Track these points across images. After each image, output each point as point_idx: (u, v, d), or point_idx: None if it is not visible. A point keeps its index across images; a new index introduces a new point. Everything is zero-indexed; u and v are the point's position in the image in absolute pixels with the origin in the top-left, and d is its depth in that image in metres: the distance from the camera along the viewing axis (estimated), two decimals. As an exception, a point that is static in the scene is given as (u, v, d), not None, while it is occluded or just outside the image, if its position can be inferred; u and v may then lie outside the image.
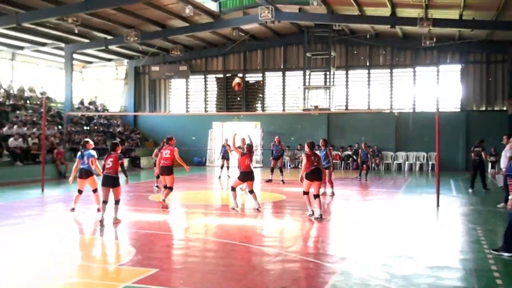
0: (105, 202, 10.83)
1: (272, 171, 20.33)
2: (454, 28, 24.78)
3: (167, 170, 13.02)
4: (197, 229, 11.01)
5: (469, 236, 10.15)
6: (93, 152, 12.18)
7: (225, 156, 21.61)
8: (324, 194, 15.97)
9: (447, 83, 28.55)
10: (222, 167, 21.74)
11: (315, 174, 11.49)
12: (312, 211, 11.67)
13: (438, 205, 13.94)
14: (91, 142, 12.68)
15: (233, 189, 13.12)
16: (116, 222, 10.86)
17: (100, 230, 10.39)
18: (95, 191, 12.41)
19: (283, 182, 19.34)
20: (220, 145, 24.80)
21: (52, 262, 7.96)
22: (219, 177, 21.61)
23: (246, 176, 12.88)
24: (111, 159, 10.79)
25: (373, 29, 27.07)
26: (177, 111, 33.17)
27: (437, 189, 14.38)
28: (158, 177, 16.70)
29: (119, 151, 11.08)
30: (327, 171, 15.54)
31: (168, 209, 12.99)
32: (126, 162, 25.85)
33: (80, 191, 12.49)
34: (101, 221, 10.67)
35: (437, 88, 27.89)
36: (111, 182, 10.77)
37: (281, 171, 20.06)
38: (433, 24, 22.55)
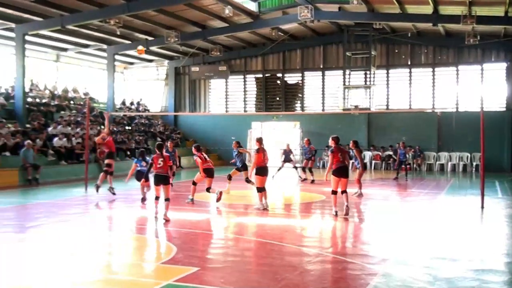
0: (157, 198, 11.59)
1: (304, 170, 20.95)
2: (499, 26, 24.16)
3: (213, 172, 14.10)
4: (237, 229, 11.06)
5: (515, 238, 9.89)
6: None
7: (287, 159, 21.47)
8: (361, 195, 16.03)
9: (492, 82, 27.85)
10: (280, 168, 21.59)
11: (342, 171, 11.87)
12: (336, 212, 12.04)
13: (482, 207, 13.62)
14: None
15: (261, 189, 13.05)
16: (166, 219, 11.26)
17: (151, 226, 10.52)
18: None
19: (313, 182, 19.48)
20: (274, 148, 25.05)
21: (95, 259, 8.11)
22: (272, 176, 21.46)
23: (264, 170, 12.96)
24: (162, 159, 11.43)
25: (414, 27, 26.64)
26: (216, 111, 33.41)
27: (481, 190, 14.04)
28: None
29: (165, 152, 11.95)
30: (358, 171, 16.20)
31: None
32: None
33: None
34: (156, 216, 11.45)
35: (481, 87, 27.24)
36: (162, 180, 11.46)
37: (311, 171, 20.40)
38: (477, 21, 21.98)
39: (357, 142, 16.59)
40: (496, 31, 25.56)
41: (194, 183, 14.21)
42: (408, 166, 23.89)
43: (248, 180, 15.58)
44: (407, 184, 20.52)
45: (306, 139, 21.51)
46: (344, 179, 11.97)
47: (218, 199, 13.68)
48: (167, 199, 11.45)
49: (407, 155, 22.42)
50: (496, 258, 8.30)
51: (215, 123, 31.78)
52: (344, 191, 12.05)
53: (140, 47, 18.80)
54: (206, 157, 14.12)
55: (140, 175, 14.10)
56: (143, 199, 13.03)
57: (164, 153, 11.68)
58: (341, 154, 11.91)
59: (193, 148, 14.28)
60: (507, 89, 27.44)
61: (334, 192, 12.06)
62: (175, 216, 11.95)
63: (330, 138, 12.40)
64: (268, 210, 12.86)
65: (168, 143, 18.96)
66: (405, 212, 13.52)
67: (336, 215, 11.99)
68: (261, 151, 12.91)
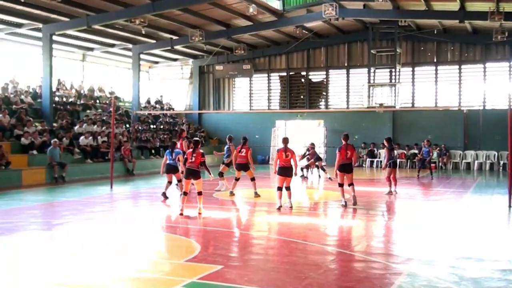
0: (185, 193, 12.06)
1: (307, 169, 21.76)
2: (527, 22, 23.72)
3: (244, 166, 15.01)
4: (260, 227, 11.07)
5: (544, 238, 9.71)
6: (180, 151, 14.26)
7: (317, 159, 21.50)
8: (391, 193, 15.97)
9: (520, 79, 27.36)
10: (318, 169, 21.61)
11: (346, 167, 13.30)
12: (345, 202, 13.32)
13: (510, 206, 13.41)
14: (178, 144, 15.37)
15: (278, 189, 12.91)
16: (200, 212, 11.88)
17: (175, 224, 10.59)
18: (179, 181, 14.37)
19: (331, 179, 19.43)
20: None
21: (119, 256, 8.20)
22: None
23: (282, 170, 12.75)
24: (195, 155, 11.89)
25: (440, 24, 26.32)
26: (240, 109, 33.45)
27: (509, 189, 13.80)
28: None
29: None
30: (388, 169, 16.25)
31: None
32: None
33: (169, 182, 14.58)
34: (181, 213, 11.78)
35: (509, 85, 26.75)
36: (193, 174, 11.94)
37: (323, 169, 20.79)
38: (505, 18, 21.59)
39: (389, 140, 16.56)
40: (525, 28, 25.11)
41: (253, 179, 15.10)
42: (433, 164, 23.64)
43: (220, 174, 16.30)
44: (432, 182, 20.30)
45: (310, 143, 21.64)
46: (349, 174, 13.37)
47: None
48: (199, 193, 12.06)
49: (432, 153, 22.20)
50: (524, 258, 8.17)
51: (239, 122, 31.83)
52: (350, 184, 13.46)
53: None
54: (243, 152, 14.94)
55: (170, 169, 14.22)
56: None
57: (198, 150, 12.02)
58: (346, 152, 13.23)
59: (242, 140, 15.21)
60: (535, 86, 26.94)
61: (341, 185, 13.48)
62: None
63: (342, 137, 13.68)
64: (291, 208, 12.74)
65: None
66: (430, 211, 13.37)
67: (345, 205, 13.20)
68: (281, 150, 12.76)
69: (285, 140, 12.95)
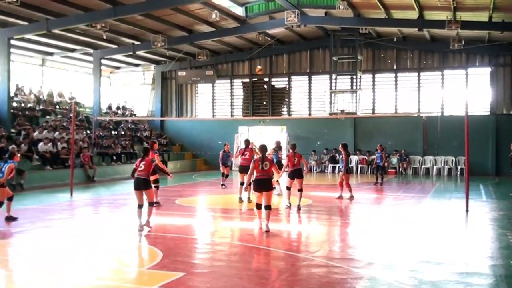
0: (140, 206, 10.71)
1: None
2: (483, 31, 24.41)
3: (247, 169, 13.21)
4: (223, 233, 11.04)
5: (499, 241, 9.96)
6: (15, 162, 12.19)
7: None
8: (341, 197, 16.40)
9: (476, 86, 28.07)
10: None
11: (295, 173, 13.93)
12: (289, 203, 14.22)
13: (467, 210, 13.73)
14: (18, 155, 13.16)
15: (257, 206, 11.09)
16: (147, 225, 10.74)
17: (138, 233, 10.47)
18: (10, 199, 11.92)
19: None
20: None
21: (80, 264, 8.06)
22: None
23: (257, 184, 10.92)
24: (144, 163, 10.82)
25: (400, 32, 26.85)
26: (203, 116, 33.37)
27: (466, 193, 14.14)
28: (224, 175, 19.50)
29: (150, 156, 11.30)
30: (342, 174, 16.61)
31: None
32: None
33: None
34: (140, 226, 10.65)
35: (466, 92, 27.46)
36: (143, 184, 10.73)
37: None
38: (462, 26, 22.23)
39: (345, 146, 16.68)
40: (480, 36, 25.84)
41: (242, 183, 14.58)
42: (393, 170, 23.93)
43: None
44: (383, 188, 20.47)
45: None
46: (299, 180, 13.99)
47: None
48: (150, 204, 10.87)
49: (387, 158, 22.38)
50: (480, 261, 8.37)
51: (202, 128, 31.79)
52: (300, 189, 14.02)
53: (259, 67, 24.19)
54: (247, 155, 15.07)
55: None
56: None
57: (148, 157, 10.96)
58: (294, 159, 13.85)
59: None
60: (491, 94, 27.72)
61: (288, 188, 14.30)
62: (161, 221, 11.92)
63: (289, 146, 14.68)
64: (268, 233, 10.57)
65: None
66: (391, 215, 13.58)
67: (290, 206, 14.11)
68: (257, 160, 10.90)
69: (263, 148, 11.06)
